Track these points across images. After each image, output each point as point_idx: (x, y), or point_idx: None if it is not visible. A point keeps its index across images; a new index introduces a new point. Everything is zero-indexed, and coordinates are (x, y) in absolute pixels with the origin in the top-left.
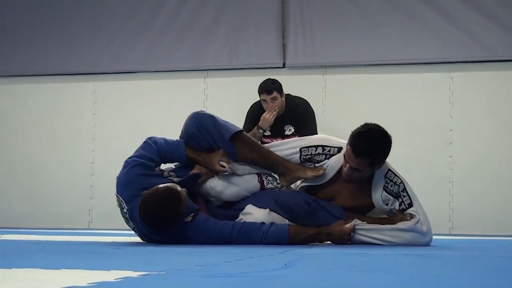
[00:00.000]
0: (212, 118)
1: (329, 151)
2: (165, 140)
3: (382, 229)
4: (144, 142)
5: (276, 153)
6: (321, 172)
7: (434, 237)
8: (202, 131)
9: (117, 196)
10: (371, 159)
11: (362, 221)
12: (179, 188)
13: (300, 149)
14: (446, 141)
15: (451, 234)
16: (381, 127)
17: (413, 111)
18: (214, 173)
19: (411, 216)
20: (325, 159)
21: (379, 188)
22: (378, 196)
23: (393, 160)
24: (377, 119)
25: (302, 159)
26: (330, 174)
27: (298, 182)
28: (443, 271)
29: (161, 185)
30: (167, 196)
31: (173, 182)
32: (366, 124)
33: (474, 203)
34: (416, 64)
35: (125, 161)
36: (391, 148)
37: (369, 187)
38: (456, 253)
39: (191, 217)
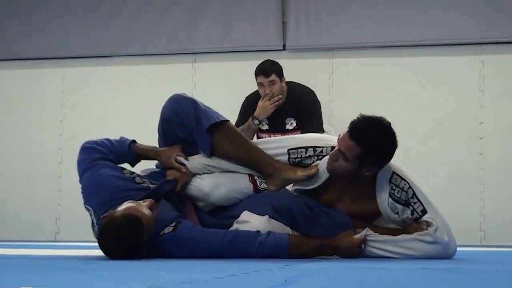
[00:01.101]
0: (193, 101)
1: (321, 151)
2: (108, 140)
3: (398, 240)
4: (83, 148)
5: None
6: (313, 171)
7: (463, 248)
8: (181, 115)
9: (85, 207)
10: (364, 149)
11: (373, 232)
12: (142, 208)
13: (288, 150)
14: (475, 135)
15: (482, 245)
16: (392, 128)
17: (436, 100)
18: (171, 168)
19: (428, 224)
20: (317, 160)
21: (384, 195)
22: (385, 204)
23: (412, 158)
24: (393, 110)
25: (291, 162)
26: (324, 176)
27: (290, 186)
28: None
29: (119, 211)
30: (126, 226)
31: (148, 188)
32: (379, 116)
33: (509, 209)
34: (439, 45)
35: (81, 165)
36: (392, 156)
37: (374, 194)
38: (487, 267)
39: (172, 227)
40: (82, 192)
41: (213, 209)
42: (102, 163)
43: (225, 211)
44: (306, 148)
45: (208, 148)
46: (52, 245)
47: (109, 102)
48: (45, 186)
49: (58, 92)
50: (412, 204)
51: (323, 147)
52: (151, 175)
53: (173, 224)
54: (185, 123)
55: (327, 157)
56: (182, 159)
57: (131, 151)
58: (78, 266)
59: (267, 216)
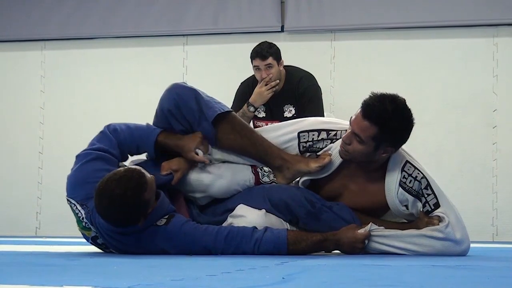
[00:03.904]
0: (194, 91)
1: (335, 135)
2: (128, 127)
3: (405, 236)
4: (100, 132)
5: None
6: (326, 160)
7: (474, 245)
8: (182, 108)
9: (68, 200)
10: (379, 129)
11: (379, 225)
12: (145, 172)
13: (298, 133)
14: (488, 124)
15: (494, 241)
16: (407, 104)
17: (446, 86)
18: (189, 161)
19: (439, 219)
20: (330, 144)
21: (394, 183)
22: (393, 194)
23: (420, 148)
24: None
25: (301, 147)
26: (337, 161)
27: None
28: (481, 287)
29: (120, 168)
30: (129, 178)
31: None
32: (392, 93)
33: None
34: (450, 27)
35: (77, 156)
36: (409, 135)
37: (383, 183)
38: (500, 264)
39: (165, 220)
40: (66, 183)
41: (205, 204)
42: (93, 155)
43: (219, 205)
44: (319, 131)
45: (213, 141)
46: (33, 240)
47: (93, 88)
48: (24, 178)
49: (38, 77)
50: (426, 195)
51: (337, 130)
52: (144, 167)
53: (166, 217)
54: (185, 116)
55: (338, 142)
56: (200, 152)
57: (153, 139)
58: (61, 263)
59: (264, 210)
